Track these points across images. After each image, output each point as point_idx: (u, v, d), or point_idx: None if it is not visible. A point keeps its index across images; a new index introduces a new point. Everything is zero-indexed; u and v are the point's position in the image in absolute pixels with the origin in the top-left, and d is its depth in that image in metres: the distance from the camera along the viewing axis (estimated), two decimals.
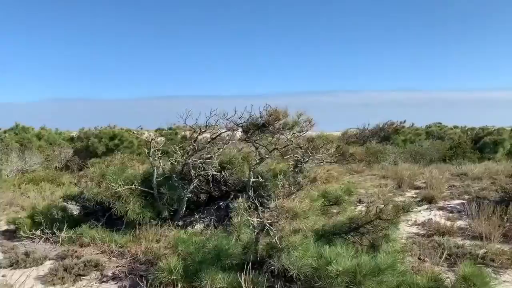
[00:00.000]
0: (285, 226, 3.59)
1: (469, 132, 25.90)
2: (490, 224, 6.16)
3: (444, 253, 4.98)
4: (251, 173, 5.03)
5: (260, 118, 4.72)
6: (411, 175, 10.29)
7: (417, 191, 9.33)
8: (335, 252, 3.68)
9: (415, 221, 7.09)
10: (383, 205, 4.18)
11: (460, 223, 6.81)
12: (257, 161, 5.00)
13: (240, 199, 4.39)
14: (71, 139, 18.68)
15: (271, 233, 3.54)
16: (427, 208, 7.79)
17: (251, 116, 4.79)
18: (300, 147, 4.91)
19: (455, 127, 28.56)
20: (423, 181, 10.09)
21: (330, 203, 5.33)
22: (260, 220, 3.57)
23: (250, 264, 3.63)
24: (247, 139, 5.01)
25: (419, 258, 4.82)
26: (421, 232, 6.44)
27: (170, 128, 19.17)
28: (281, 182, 4.34)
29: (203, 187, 5.81)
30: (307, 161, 4.87)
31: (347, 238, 4.46)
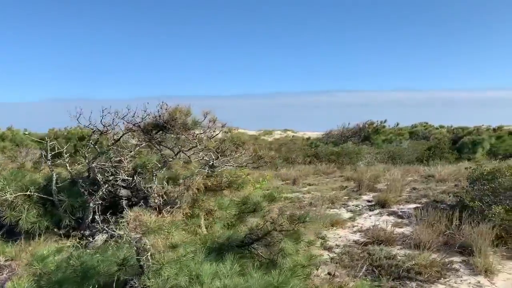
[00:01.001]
0: (157, 241, 3.13)
1: (454, 132, 25.54)
2: (432, 231, 5.72)
3: (364, 266, 4.52)
4: (154, 178, 4.55)
5: (159, 117, 4.25)
6: (374, 177, 9.83)
7: (376, 194, 8.88)
8: (213, 270, 3.23)
9: (361, 227, 6.65)
10: (277, 215, 3.71)
11: (406, 229, 6.36)
12: (160, 166, 4.53)
13: (135, 209, 3.93)
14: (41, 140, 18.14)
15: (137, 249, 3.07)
16: (378, 213, 7.33)
17: (148, 116, 4.33)
18: (209, 149, 4.44)
19: (441, 126, 28.16)
20: (387, 183, 9.64)
21: (248, 211, 4.86)
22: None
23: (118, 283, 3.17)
24: (149, 141, 4.53)
25: (329, 273, 4.35)
26: (362, 240, 5.99)
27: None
28: (155, 189, 3.87)
29: (119, 193, 5.34)
30: (213, 164, 4.40)
31: (251, 251, 4.00)
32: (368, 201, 8.19)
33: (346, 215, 7.32)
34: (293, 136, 41.92)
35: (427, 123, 29.28)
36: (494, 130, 19.98)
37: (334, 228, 6.57)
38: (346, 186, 9.68)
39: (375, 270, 4.67)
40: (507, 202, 5.97)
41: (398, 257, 5.02)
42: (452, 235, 5.59)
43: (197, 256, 3.51)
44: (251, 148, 4.93)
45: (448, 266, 4.74)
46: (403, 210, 7.46)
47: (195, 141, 4.30)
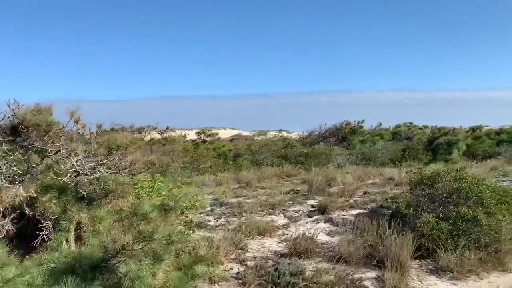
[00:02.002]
0: None
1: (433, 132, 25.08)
2: (361, 242, 5.24)
3: (252, 286, 4.02)
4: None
5: (16, 118, 3.74)
6: (329, 179, 9.33)
7: (324, 198, 8.37)
8: None
9: (291, 236, 6.14)
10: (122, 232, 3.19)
11: (336, 239, 5.85)
12: (22, 172, 4.01)
13: None
14: None
15: None
16: (314, 220, 6.83)
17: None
18: (76, 154, 3.93)
19: (425, 126, 27.69)
20: (340, 186, 9.14)
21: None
22: None
23: None
24: (14, 143, 4.01)
25: None
26: (284, 251, 5.48)
27: (112, 129, 18.19)
28: None
29: None
30: (85, 172, 3.89)
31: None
32: (312, 206, 7.69)
33: (282, 222, 6.83)
34: (286, 136, 41.45)
35: (411, 123, 28.82)
36: (473, 130, 19.54)
37: (261, 237, 6.07)
38: (298, 190, 9.18)
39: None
40: (441, 209, 5.48)
41: (307, 272, 4.51)
42: (376, 246, 5.09)
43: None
44: (137, 152, 4.41)
45: (357, 283, 4.24)
46: (344, 216, 6.96)
47: (59, 144, 3.79)
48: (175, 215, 4.68)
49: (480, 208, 5.35)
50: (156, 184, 5.23)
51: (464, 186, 5.62)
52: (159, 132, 19.19)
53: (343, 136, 19.68)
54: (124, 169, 4.14)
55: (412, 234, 5.07)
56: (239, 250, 5.54)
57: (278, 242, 5.90)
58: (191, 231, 5.13)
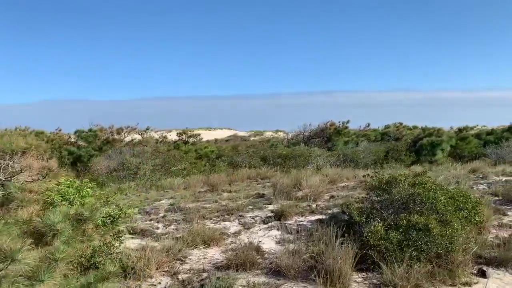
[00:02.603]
0: None
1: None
2: (299, 253, 4.84)
3: None
4: None
5: None
6: (295, 182, 8.93)
7: (288, 202, 7.98)
8: None
9: (238, 245, 5.73)
10: None
11: (285, 248, 5.44)
12: None
13: None
14: None
15: None
16: (268, 227, 6.43)
17: None
18: None
19: (415, 127, 27.33)
20: (308, 190, 8.73)
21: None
22: None
23: None
24: None
25: None
26: (225, 262, 5.07)
27: (90, 130, 17.76)
28: None
29: None
30: None
31: None
32: (272, 211, 7.29)
33: (234, 229, 6.42)
34: (276, 136, 41.17)
35: (401, 124, 28.46)
36: (460, 130, 19.17)
37: (206, 246, 5.66)
38: (264, 194, 8.77)
39: None
40: (392, 217, 5.09)
41: None
42: (320, 258, 4.69)
43: None
44: (40, 156, 4.01)
45: None
46: (301, 223, 6.57)
47: None
48: (93, 226, 4.26)
49: (435, 216, 4.97)
50: (83, 191, 4.82)
51: (420, 192, 5.22)
52: (140, 133, 18.76)
53: (328, 137, 19.28)
54: (13, 176, 3.73)
55: (359, 244, 4.70)
56: (177, 261, 5.15)
57: (222, 253, 5.49)
58: (119, 242, 4.72)
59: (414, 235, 4.72)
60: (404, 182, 5.67)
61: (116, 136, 18.01)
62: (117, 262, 4.53)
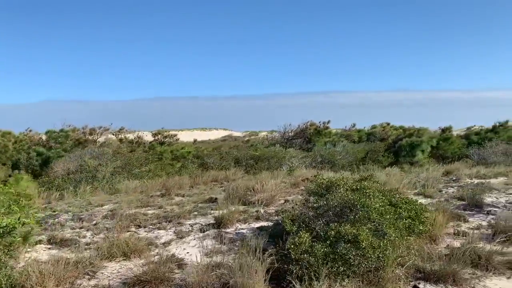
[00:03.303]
0: None
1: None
2: (214, 269, 4.33)
3: None
4: None
5: None
6: (249, 186, 8.41)
7: (237, 208, 7.47)
8: None
9: (166, 256, 5.22)
10: None
11: (208, 261, 4.93)
12: None
13: None
14: None
15: None
16: (203, 236, 5.90)
17: None
18: None
19: (401, 127, 26.87)
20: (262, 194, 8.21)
21: None
22: None
23: None
24: None
25: None
26: (131, 276, 4.54)
27: (61, 130, 17.18)
28: None
29: None
30: None
31: None
32: (215, 217, 6.76)
33: (166, 238, 5.90)
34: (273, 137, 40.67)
35: (388, 124, 28.02)
36: (443, 131, 18.69)
37: (125, 258, 5.13)
38: (216, 198, 8.25)
39: None
40: (322, 225, 4.58)
41: None
42: (235, 277, 4.18)
43: None
44: None
45: None
46: (241, 231, 6.06)
47: None
48: None
49: (370, 225, 4.47)
50: None
51: (355, 199, 4.71)
52: (114, 134, 18.23)
53: (308, 137, 18.78)
54: None
55: (275, 257, 4.20)
56: (86, 276, 4.62)
57: (142, 266, 4.96)
58: (9, 256, 4.19)
59: (342, 247, 4.21)
60: (344, 186, 5.16)
61: (89, 137, 17.47)
62: (4, 279, 4.02)
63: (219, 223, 6.23)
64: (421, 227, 4.94)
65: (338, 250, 4.19)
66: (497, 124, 17.89)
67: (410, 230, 4.90)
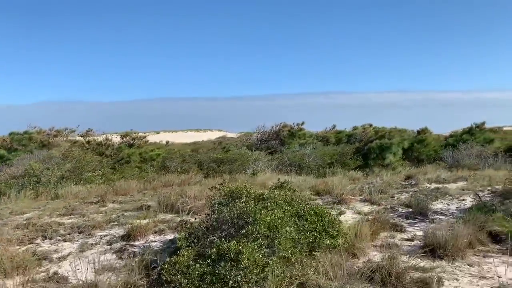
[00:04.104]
0: None
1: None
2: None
3: None
4: None
5: None
6: (181, 193, 7.93)
7: (167, 216, 6.99)
8: None
9: (53, 273, 4.74)
10: None
11: (98, 279, 4.45)
12: None
13: None
14: None
15: None
16: (104, 250, 5.41)
17: None
18: None
19: (383, 128, 26.43)
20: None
21: None
22: None
23: None
24: None
25: None
26: None
27: (25, 132, 16.67)
28: None
29: None
30: None
31: None
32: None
33: (66, 251, 5.41)
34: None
35: (370, 125, 27.59)
36: (419, 132, 18.26)
37: (5, 276, 4.65)
38: (150, 206, 7.76)
39: None
40: (214, 241, 4.11)
41: None
42: None
43: None
44: None
45: None
46: (150, 244, 5.58)
47: None
48: None
49: (262, 241, 4.00)
50: None
51: (250, 210, 4.24)
52: (82, 136, 17.71)
53: (282, 139, 18.32)
54: None
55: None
56: None
57: (18, 285, 4.47)
58: None
59: (222, 267, 3.73)
60: (247, 195, 4.69)
61: (55, 139, 16.95)
62: None
63: (129, 235, 5.74)
64: (328, 241, 4.47)
65: (217, 270, 3.72)
66: (474, 125, 17.49)
67: (315, 245, 4.43)
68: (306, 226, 4.39)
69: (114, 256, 5.18)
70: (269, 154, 16.50)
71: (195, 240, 4.33)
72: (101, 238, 5.90)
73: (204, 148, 24.58)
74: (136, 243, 5.60)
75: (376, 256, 5.19)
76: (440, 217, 7.24)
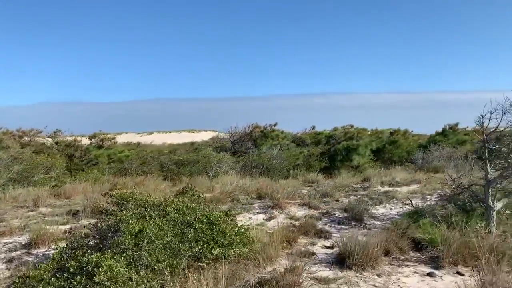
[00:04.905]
0: None
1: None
2: None
3: None
4: None
5: None
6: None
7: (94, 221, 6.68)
8: None
9: None
10: None
11: None
12: None
13: None
14: None
15: None
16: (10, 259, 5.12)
17: None
18: None
19: (364, 129, 26.18)
20: None
21: None
22: None
23: None
24: None
25: None
26: None
27: None
28: None
29: None
30: None
31: None
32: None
33: None
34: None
35: (352, 126, 27.32)
36: (391, 133, 18.00)
37: None
38: (78, 210, 7.46)
39: None
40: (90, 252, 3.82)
41: None
42: None
43: None
44: None
45: None
46: (48, 252, 5.28)
47: None
48: None
49: (130, 253, 3.71)
50: None
51: (123, 219, 3.96)
52: (50, 137, 17.38)
53: (254, 140, 18.03)
54: None
55: None
56: None
57: None
58: None
59: (77, 281, 3.45)
60: (132, 202, 4.41)
61: (20, 140, 16.62)
62: None
63: (30, 243, 5.45)
64: (216, 251, 4.18)
65: (71, 285, 3.43)
66: (447, 126, 17.24)
67: (201, 255, 4.15)
68: (190, 236, 4.11)
69: (4, 266, 4.88)
70: (239, 155, 16.23)
71: (69, 251, 4.05)
72: (3, 245, 5.60)
73: (182, 150, 24.23)
74: (36, 251, 5.31)
75: (285, 265, 4.91)
76: (376, 222, 6.97)
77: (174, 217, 4.27)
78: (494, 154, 6.11)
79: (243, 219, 7.01)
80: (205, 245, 4.15)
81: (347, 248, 4.98)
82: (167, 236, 3.94)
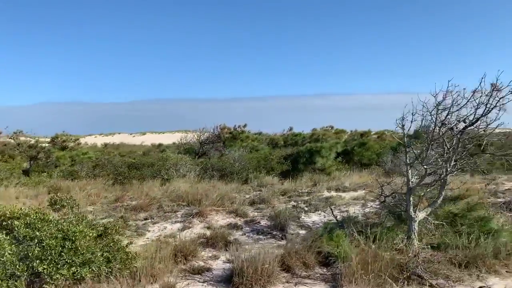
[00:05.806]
0: None
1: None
2: None
3: None
4: None
5: None
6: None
7: None
8: None
9: None
10: None
11: None
12: None
13: None
14: None
15: None
16: None
17: None
18: None
19: (342, 131, 25.78)
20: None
21: None
22: None
23: None
24: None
25: None
26: None
27: None
28: None
29: None
30: None
31: None
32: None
33: None
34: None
35: (332, 127, 26.94)
36: (361, 135, 17.55)
37: None
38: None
39: None
40: None
41: None
42: None
43: None
44: None
45: None
46: None
47: None
48: None
49: None
50: None
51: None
52: (12, 138, 16.84)
53: (223, 141, 17.54)
54: None
55: None
56: None
57: None
58: None
59: None
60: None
61: None
62: None
63: None
64: (64, 271, 3.68)
65: None
66: (419, 129, 16.72)
67: (46, 276, 3.65)
68: (34, 253, 3.61)
69: None
70: (208, 158, 15.72)
71: None
72: None
73: (153, 151, 23.75)
74: None
75: (171, 282, 4.42)
76: (302, 232, 6.48)
77: (23, 232, 3.77)
78: (418, 158, 5.65)
79: (156, 229, 6.52)
80: (50, 265, 3.65)
81: (242, 264, 4.48)
82: (4, 254, 3.45)
